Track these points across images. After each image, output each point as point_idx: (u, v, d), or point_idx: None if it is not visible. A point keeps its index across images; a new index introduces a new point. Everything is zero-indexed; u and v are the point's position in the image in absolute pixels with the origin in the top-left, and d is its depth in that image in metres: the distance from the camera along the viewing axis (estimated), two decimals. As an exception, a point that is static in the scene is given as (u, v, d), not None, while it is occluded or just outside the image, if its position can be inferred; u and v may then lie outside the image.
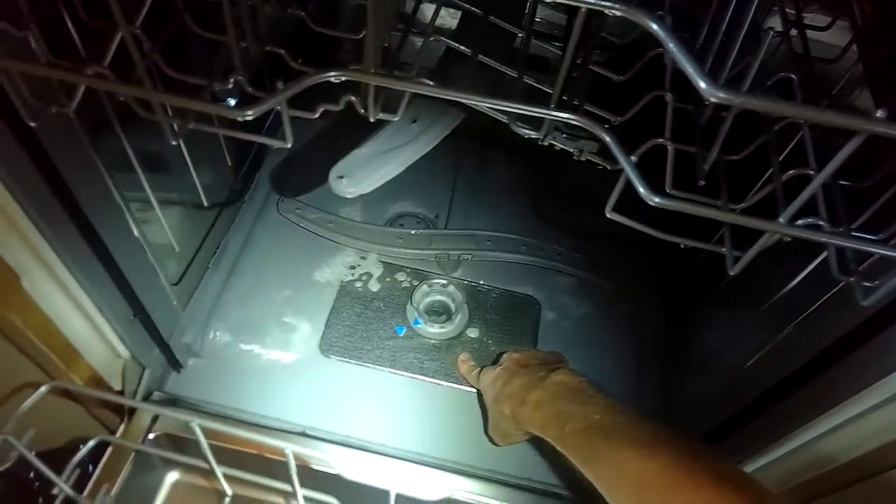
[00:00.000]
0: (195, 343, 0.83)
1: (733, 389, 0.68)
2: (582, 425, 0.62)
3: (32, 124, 0.38)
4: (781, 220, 0.33)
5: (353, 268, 0.95)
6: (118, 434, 0.71)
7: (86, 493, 0.64)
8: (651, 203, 0.35)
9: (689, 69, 0.26)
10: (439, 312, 0.94)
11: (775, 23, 0.51)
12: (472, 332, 0.91)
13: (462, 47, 0.44)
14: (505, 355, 0.80)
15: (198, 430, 0.59)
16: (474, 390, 0.84)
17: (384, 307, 0.92)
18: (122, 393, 0.73)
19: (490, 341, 0.90)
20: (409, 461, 0.75)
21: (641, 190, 0.33)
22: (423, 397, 0.84)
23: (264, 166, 1.02)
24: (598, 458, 0.59)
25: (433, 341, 0.89)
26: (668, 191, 0.41)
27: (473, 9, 0.53)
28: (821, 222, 0.36)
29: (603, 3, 0.27)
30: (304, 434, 0.76)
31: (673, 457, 0.54)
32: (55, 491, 0.58)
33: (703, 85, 0.26)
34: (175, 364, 0.80)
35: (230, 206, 0.93)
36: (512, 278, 0.97)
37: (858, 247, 0.33)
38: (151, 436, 0.72)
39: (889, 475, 0.50)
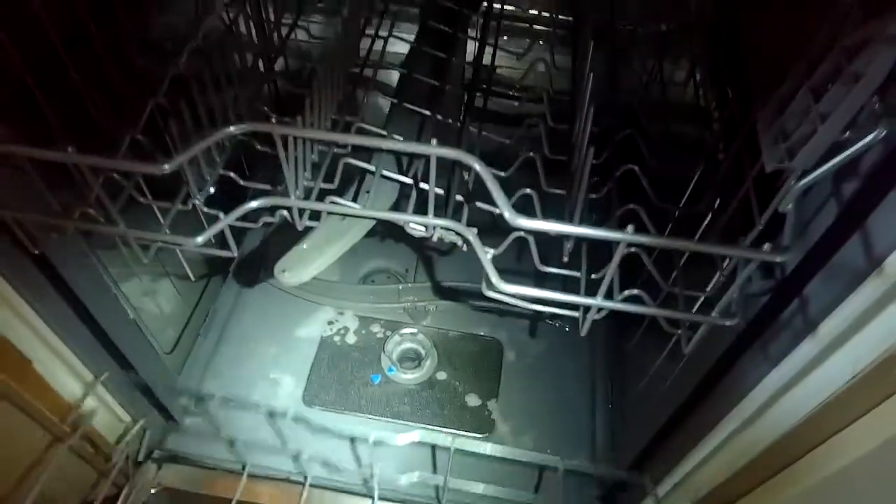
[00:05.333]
0: (190, 403, 0.93)
1: (651, 421, 0.76)
2: None
3: (36, 252, 0.49)
4: (598, 298, 0.43)
5: (331, 323, 1.05)
6: (123, 495, 0.80)
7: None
8: (485, 294, 0.44)
9: (499, 202, 0.36)
10: (412, 359, 1.03)
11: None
12: (441, 375, 1.00)
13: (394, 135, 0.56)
14: None
15: None
16: (445, 431, 0.93)
17: (361, 357, 1.01)
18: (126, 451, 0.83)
19: (458, 382, 0.99)
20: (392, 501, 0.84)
21: (492, 281, 0.43)
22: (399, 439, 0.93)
23: (247, 238, 1.13)
24: None
25: (407, 386, 0.99)
26: (540, 267, 0.50)
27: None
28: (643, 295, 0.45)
29: (440, 149, 0.38)
30: (288, 480, 0.86)
31: None
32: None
33: (507, 215, 0.36)
34: (173, 423, 0.90)
35: (216, 275, 1.04)
36: (476, 322, 1.07)
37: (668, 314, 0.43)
38: (153, 491, 0.81)
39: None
